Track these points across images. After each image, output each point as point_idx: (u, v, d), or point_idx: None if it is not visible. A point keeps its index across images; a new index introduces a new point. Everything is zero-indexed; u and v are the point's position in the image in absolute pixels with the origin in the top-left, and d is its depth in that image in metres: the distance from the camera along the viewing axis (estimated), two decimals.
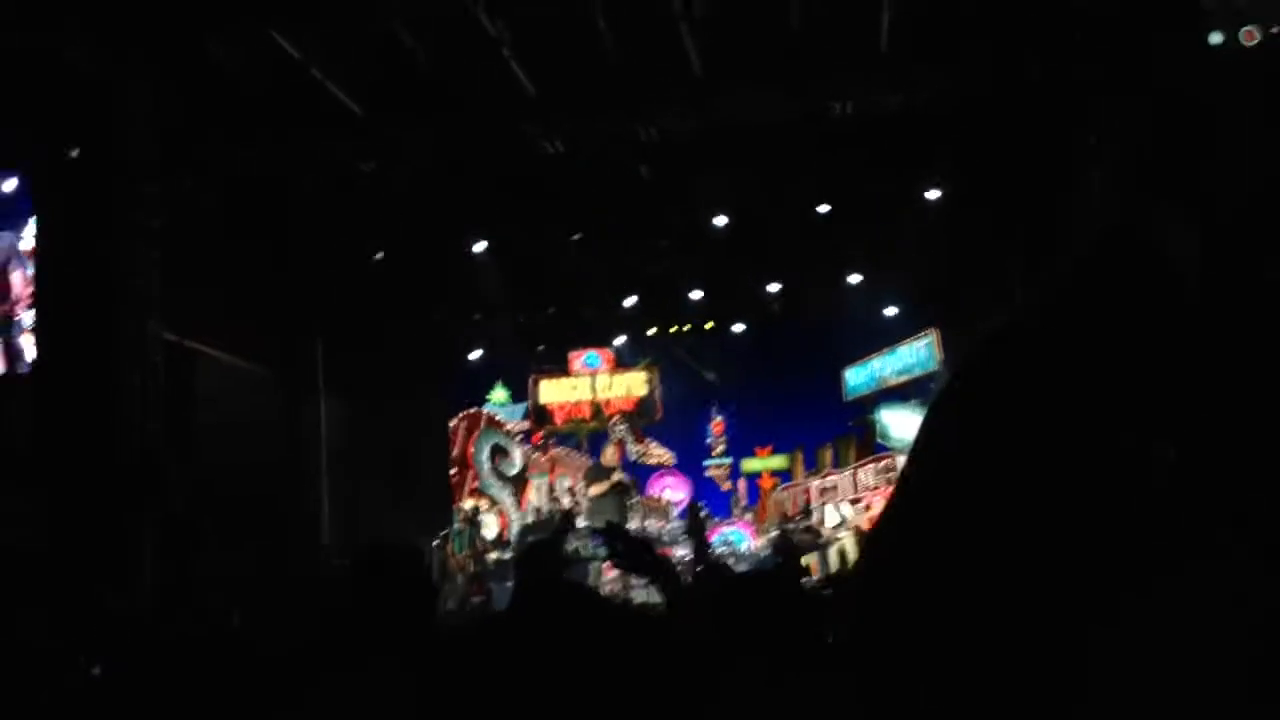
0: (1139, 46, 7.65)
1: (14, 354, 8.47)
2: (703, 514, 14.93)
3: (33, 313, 8.40)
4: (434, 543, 13.36)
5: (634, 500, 13.07)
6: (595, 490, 11.68)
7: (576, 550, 7.18)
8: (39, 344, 8.28)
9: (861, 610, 0.84)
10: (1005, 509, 0.74)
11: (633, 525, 13.32)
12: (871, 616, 0.82)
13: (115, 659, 3.08)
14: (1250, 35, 7.58)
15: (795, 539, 13.20)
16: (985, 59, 9.14)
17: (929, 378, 14.51)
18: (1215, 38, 7.62)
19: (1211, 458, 0.75)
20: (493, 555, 13.41)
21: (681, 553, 11.69)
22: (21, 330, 8.46)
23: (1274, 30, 7.60)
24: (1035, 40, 8.86)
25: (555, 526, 9.94)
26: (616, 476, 11.74)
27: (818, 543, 12.76)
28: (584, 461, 15.69)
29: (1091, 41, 8.31)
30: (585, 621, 1.85)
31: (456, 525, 14.32)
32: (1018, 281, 10.35)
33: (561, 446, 16.50)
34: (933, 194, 11.74)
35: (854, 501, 13.64)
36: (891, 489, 0.86)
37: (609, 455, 12.39)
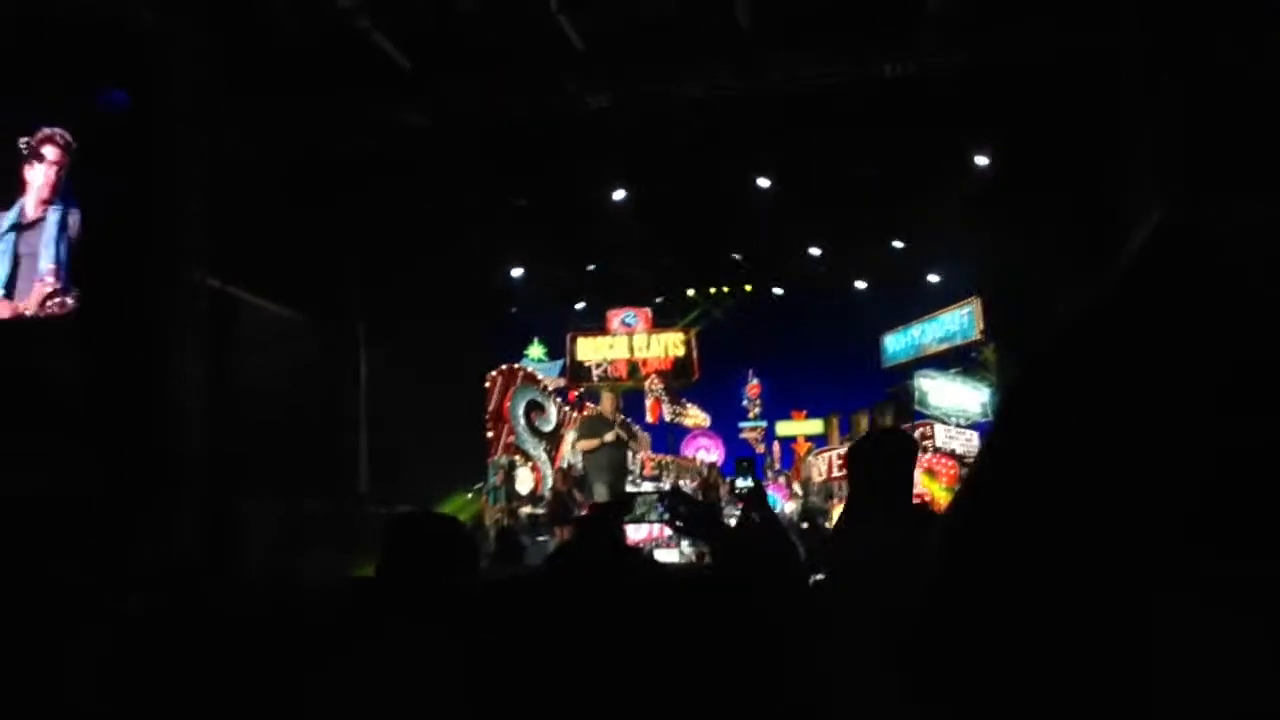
0: (1201, 19, 7.44)
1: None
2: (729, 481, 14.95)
3: None
4: (468, 494, 13.42)
5: (636, 454, 12.27)
6: (584, 446, 10.73)
7: (643, 514, 7.12)
8: (84, 292, 8.34)
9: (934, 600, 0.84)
10: (1066, 505, 0.74)
11: (665, 485, 13.34)
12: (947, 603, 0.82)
13: (165, 601, 3.12)
14: None
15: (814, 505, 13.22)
16: (1041, 24, 8.96)
17: (970, 346, 14.39)
18: None
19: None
20: (525, 510, 13.48)
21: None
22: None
23: None
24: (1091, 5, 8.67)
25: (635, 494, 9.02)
26: (610, 435, 10.55)
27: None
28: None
29: (1150, 8, 8.11)
30: (632, 583, 1.83)
31: (492, 480, 14.43)
32: (1060, 252, 10.18)
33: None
34: (981, 160, 11.58)
35: None
36: (968, 471, 0.86)
37: (606, 405, 11.23)
